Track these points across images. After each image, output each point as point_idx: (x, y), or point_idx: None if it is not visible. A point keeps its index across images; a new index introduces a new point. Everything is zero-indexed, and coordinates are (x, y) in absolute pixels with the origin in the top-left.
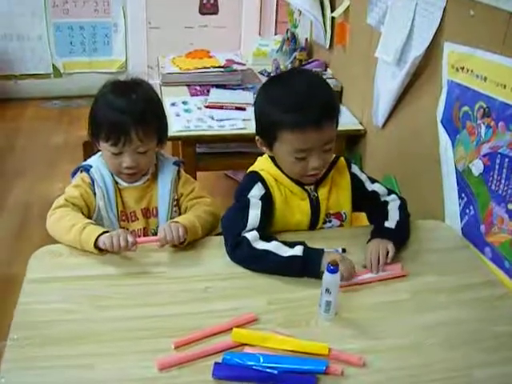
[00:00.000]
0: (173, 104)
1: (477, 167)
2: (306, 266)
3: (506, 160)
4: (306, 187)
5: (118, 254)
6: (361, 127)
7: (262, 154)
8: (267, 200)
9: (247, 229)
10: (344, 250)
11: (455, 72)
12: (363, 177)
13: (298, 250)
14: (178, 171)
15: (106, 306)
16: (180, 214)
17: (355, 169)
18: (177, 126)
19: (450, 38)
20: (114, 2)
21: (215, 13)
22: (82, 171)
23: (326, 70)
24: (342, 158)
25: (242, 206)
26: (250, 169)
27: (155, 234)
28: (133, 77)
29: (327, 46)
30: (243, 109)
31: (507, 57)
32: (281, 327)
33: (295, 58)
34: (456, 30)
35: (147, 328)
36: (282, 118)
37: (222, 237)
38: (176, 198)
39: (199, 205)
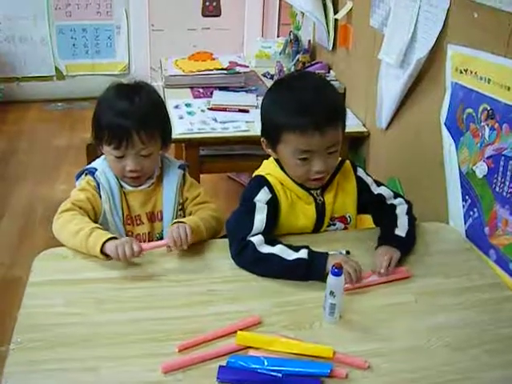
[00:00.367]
0: (176, 106)
1: (481, 169)
2: (311, 269)
3: (510, 162)
4: (312, 191)
5: None
6: (364, 129)
7: (265, 156)
8: (273, 204)
9: (252, 233)
10: (348, 252)
11: (459, 74)
12: (369, 180)
13: (303, 254)
14: (184, 175)
15: (110, 309)
16: None
17: (361, 172)
18: (180, 128)
19: (454, 40)
20: (116, 5)
21: (218, 15)
22: (86, 174)
23: (328, 72)
24: (348, 162)
25: (248, 210)
26: (256, 172)
27: (160, 238)
28: (136, 80)
29: (330, 48)
30: (246, 111)
31: (511, 59)
32: (285, 330)
33: (298, 60)
34: (459, 32)
35: (151, 331)
36: (286, 120)
37: (226, 240)
38: (181, 201)
39: (204, 209)
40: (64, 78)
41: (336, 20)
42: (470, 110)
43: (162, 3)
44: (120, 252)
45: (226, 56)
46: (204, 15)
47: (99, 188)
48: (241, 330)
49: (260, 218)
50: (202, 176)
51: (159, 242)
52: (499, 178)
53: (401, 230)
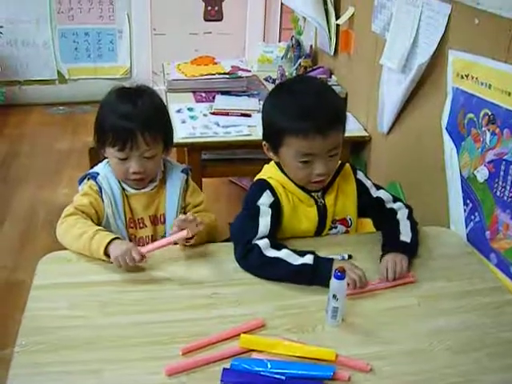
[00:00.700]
0: (178, 110)
1: (482, 174)
2: (316, 275)
3: (511, 167)
4: (312, 194)
5: None
6: (365, 134)
7: (267, 161)
8: (276, 208)
9: (258, 236)
10: (350, 256)
11: (460, 79)
12: (368, 183)
13: (308, 259)
14: (187, 179)
15: (114, 312)
16: None
17: (361, 175)
18: (182, 132)
19: (455, 45)
20: (118, 9)
21: (219, 19)
22: (89, 179)
23: (330, 77)
24: (348, 165)
25: (252, 213)
26: (258, 176)
27: None
28: (138, 83)
29: (332, 53)
30: (248, 115)
31: (511, 65)
32: (288, 333)
33: (300, 64)
34: (460, 37)
35: (155, 334)
36: (289, 125)
37: (230, 243)
38: (183, 206)
39: (205, 217)
40: (66, 81)
41: (338, 25)
42: (471, 115)
43: (163, 7)
44: (122, 262)
45: (228, 60)
46: (206, 19)
47: (101, 192)
48: (244, 332)
49: (265, 222)
50: (203, 180)
51: (163, 240)
52: (500, 183)
53: (405, 236)
